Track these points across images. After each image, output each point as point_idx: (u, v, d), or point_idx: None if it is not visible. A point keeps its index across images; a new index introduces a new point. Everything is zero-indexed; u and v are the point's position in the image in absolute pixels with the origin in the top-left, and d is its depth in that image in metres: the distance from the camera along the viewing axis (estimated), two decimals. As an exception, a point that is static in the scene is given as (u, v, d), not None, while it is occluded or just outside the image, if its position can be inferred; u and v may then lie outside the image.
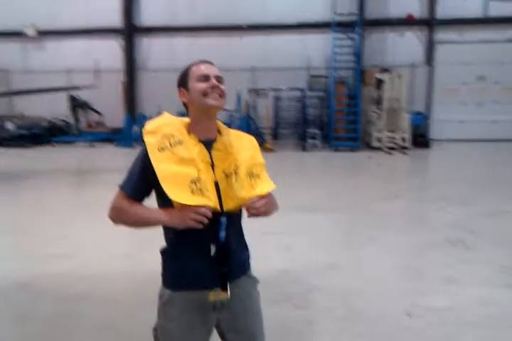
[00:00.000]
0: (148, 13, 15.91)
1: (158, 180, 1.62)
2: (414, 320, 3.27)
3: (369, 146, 13.33)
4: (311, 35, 15.22)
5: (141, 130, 1.77)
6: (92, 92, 15.22)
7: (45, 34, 16.33)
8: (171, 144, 1.65)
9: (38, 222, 6.00)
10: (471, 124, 14.74)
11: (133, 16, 15.91)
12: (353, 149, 13.05)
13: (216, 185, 1.66)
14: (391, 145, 12.96)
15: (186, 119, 1.78)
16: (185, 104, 1.78)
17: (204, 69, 1.73)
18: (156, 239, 5.47)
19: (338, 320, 3.30)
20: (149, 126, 1.72)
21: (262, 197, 1.71)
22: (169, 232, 1.74)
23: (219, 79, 1.73)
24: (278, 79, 14.88)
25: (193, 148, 1.66)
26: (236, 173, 1.69)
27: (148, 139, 1.68)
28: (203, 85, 1.69)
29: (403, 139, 13.01)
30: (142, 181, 1.69)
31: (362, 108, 13.75)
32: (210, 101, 1.68)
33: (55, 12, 16.04)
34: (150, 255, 4.66)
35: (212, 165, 1.68)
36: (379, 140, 13.05)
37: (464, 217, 5.97)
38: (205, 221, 1.59)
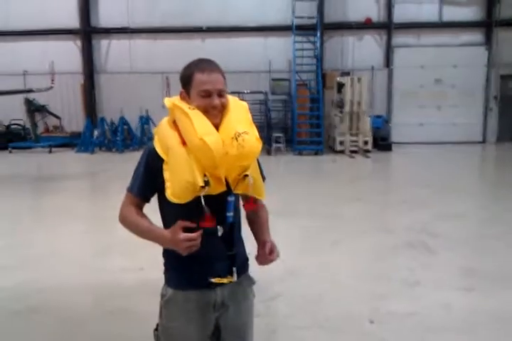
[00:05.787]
0: (107, 15, 15.55)
1: (162, 177, 1.64)
2: (377, 326, 3.26)
3: (332, 150, 13.42)
4: (272, 38, 15.25)
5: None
6: (49, 95, 14.77)
7: (-2, 35, 15.75)
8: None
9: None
10: (430, 127, 15.07)
11: (91, 17, 15.55)
12: (316, 153, 13.09)
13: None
14: (354, 148, 13.08)
15: None
16: None
17: (207, 82, 1.67)
18: (112, 247, 5.21)
19: (301, 328, 3.26)
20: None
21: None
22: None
23: (221, 93, 1.69)
24: (240, 82, 14.78)
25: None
26: (237, 139, 1.65)
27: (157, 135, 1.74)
28: (204, 102, 1.67)
29: (365, 142, 13.13)
30: (147, 178, 1.72)
31: (324, 111, 13.84)
32: (209, 118, 1.67)
33: (9, 12, 15.51)
34: (105, 265, 4.54)
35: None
36: (342, 143, 13.15)
37: (424, 220, 6.05)
38: (198, 244, 1.60)
